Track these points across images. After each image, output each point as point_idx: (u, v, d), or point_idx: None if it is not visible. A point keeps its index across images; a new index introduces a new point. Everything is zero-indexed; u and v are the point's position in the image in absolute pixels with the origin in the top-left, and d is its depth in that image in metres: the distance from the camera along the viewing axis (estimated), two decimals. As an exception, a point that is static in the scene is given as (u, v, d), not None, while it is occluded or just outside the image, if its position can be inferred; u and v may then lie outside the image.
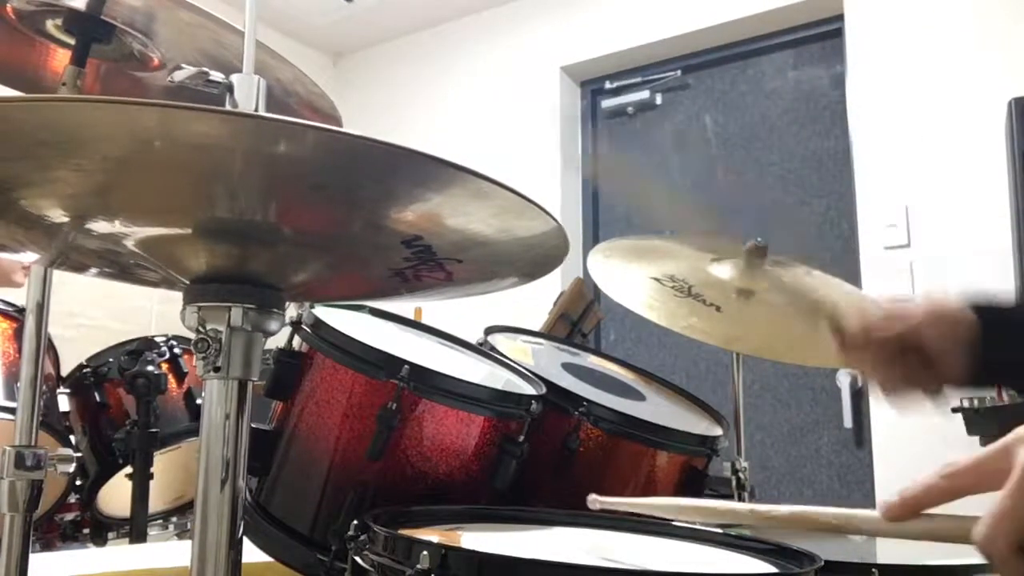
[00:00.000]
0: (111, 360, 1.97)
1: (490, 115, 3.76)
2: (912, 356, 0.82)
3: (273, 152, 0.58)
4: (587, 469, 1.16)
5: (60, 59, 1.21)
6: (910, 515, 0.54)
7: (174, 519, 2.18)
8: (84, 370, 1.98)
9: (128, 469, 1.84)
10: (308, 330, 1.07)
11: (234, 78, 0.87)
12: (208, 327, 0.72)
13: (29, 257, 0.88)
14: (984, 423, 2.00)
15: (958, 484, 0.53)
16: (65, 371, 2.03)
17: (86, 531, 2.05)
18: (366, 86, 4.16)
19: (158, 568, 1.34)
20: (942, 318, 0.82)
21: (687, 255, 1.53)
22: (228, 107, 0.85)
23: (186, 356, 2.01)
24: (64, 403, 2.03)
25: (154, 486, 1.84)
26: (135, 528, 1.81)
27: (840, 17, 3.06)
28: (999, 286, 2.45)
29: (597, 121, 3.71)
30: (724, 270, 1.48)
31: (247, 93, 0.86)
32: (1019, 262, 2.28)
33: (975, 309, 0.82)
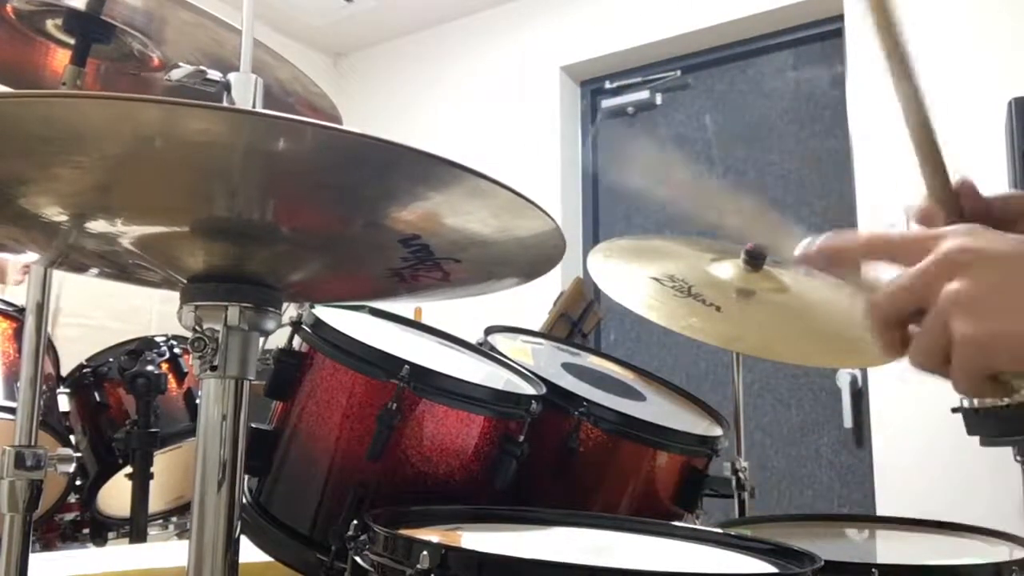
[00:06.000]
0: (111, 360, 1.97)
1: (490, 115, 3.75)
2: None
3: (272, 149, 0.58)
4: (587, 469, 1.15)
5: (60, 59, 1.21)
6: (821, 265, 0.54)
7: (174, 519, 2.18)
8: (84, 370, 1.99)
9: (128, 469, 1.85)
10: (308, 330, 1.07)
11: (231, 77, 0.87)
12: (205, 326, 0.72)
13: (29, 257, 0.88)
14: (984, 423, 1.99)
15: (875, 250, 0.53)
16: (65, 371, 2.03)
17: (86, 531, 2.06)
18: (366, 86, 4.16)
19: (158, 568, 1.34)
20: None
21: (687, 255, 1.53)
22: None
23: (186, 356, 2.01)
24: (64, 403, 2.03)
25: (154, 486, 1.84)
26: (135, 528, 1.81)
27: (840, 17, 3.06)
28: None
29: (597, 121, 3.71)
30: (724, 270, 1.48)
31: (244, 92, 0.86)
32: (1019, 262, 2.27)
33: None
